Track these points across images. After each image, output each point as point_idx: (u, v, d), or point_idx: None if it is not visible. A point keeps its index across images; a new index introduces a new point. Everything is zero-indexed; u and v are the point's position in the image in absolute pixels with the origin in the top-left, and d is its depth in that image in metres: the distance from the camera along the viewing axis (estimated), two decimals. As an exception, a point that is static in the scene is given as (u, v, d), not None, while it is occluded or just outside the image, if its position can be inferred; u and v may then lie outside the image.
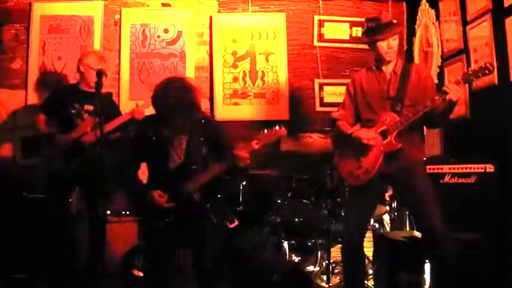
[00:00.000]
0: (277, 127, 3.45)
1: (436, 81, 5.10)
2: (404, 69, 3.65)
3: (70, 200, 4.62)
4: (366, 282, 4.31)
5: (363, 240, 3.77)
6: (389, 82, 3.65)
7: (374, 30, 3.66)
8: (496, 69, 4.11)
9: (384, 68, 3.71)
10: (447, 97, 3.32)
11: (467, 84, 4.47)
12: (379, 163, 3.51)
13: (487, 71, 3.32)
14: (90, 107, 4.54)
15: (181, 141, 3.50)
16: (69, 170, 4.41)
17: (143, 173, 3.64)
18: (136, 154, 3.58)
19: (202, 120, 3.58)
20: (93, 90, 4.57)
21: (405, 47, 5.94)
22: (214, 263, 3.49)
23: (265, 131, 3.45)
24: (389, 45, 3.62)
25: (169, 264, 3.50)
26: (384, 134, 3.53)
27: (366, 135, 3.54)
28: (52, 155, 4.47)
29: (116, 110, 4.79)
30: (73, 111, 4.52)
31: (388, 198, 4.71)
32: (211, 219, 3.42)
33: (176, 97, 3.36)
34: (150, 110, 3.78)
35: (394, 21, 3.73)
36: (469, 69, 3.58)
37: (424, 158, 3.79)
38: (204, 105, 5.74)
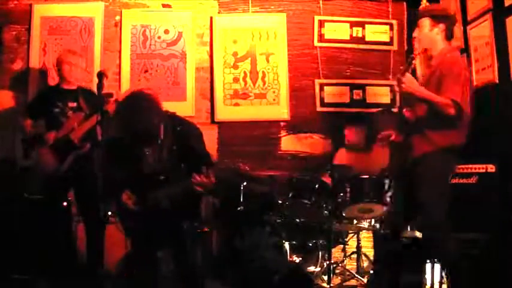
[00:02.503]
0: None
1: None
2: (433, 58, 3.62)
3: (71, 199, 4.62)
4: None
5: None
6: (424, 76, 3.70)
7: None
8: (496, 68, 4.13)
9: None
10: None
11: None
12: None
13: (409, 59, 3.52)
14: (73, 104, 4.55)
15: (155, 148, 3.46)
16: (61, 170, 4.41)
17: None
18: (115, 157, 3.58)
19: (178, 127, 3.49)
20: (73, 86, 4.61)
21: (406, 47, 5.95)
22: (193, 266, 3.50)
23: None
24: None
25: (151, 268, 3.50)
26: None
27: None
28: (43, 156, 4.46)
29: (104, 106, 4.74)
30: (57, 110, 4.52)
31: (388, 199, 4.69)
32: (178, 225, 3.41)
33: (123, 119, 3.37)
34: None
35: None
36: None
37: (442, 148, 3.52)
38: (205, 106, 5.75)
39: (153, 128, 3.35)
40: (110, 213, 4.63)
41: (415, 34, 3.64)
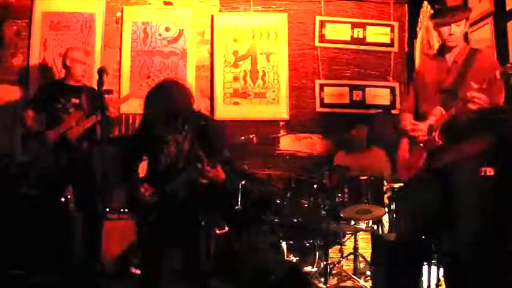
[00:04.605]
0: (250, 136, 3.42)
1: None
2: (468, 58, 3.35)
3: (68, 196, 4.62)
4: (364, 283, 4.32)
5: (418, 235, 3.57)
6: (449, 72, 3.38)
7: (438, 13, 3.38)
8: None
9: (447, 55, 3.42)
10: (468, 106, 3.05)
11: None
12: (423, 159, 3.35)
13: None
14: (76, 101, 4.55)
15: (176, 140, 3.50)
16: (59, 166, 4.41)
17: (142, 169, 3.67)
18: (136, 150, 3.61)
19: (202, 121, 3.54)
20: (79, 84, 4.62)
21: (406, 49, 5.95)
22: (205, 263, 3.48)
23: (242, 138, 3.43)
24: (450, 31, 3.32)
25: (160, 264, 3.49)
26: (430, 130, 3.32)
27: (411, 127, 3.38)
28: (41, 152, 4.47)
29: (104, 103, 4.74)
30: (59, 105, 4.52)
31: (386, 200, 4.70)
32: (198, 222, 3.40)
33: (157, 106, 3.38)
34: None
35: (463, 5, 3.45)
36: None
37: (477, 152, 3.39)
38: (204, 104, 5.75)
39: (181, 111, 3.39)
40: (107, 209, 4.65)
41: (456, 31, 3.33)
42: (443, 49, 3.44)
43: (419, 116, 3.50)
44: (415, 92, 3.60)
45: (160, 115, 3.38)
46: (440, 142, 3.29)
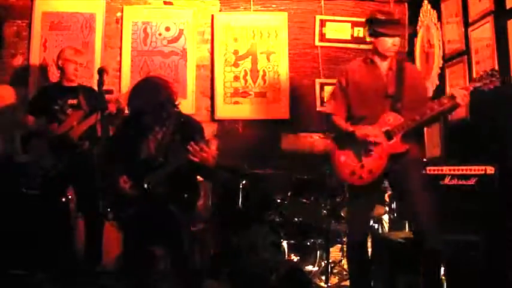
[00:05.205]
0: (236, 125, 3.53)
1: (438, 82, 5.11)
2: (399, 67, 3.57)
3: (69, 196, 4.63)
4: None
5: (367, 240, 3.77)
6: (387, 79, 3.55)
7: (383, 24, 3.51)
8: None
9: (379, 63, 3.59)
10: (455, 101, 3.31)
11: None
12: (384, 164, 3.44)
13: (494, 78, 3.31)
14: (73, 101, 4.56)
15: (156, 135, 3.58)
16: (60, 166, 4.42)
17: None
18: (117, 145, 3.66)
19: (181, 119, 3.63)
20: (74, 84, 4.63)
21: (406, 48, 5.94)
22: (187, 260, 3.50)
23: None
24: (394, 43, 3.51)
25: (144, 262, 3.51)
26: (389, 135, 3.43)
27: (372, 133, 3.43)
28: (42, 152, 4.47)
29: (104, 102, 4.75)
30: (56, 107, 4.53)
31: (387, 199, 4.70)
32: (174, 217, 3.43)
33: (141, 99, 3.51)
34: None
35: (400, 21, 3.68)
36: (477, 77, 3.50)
37: (423, 158, 3.77)
38: (205, 104, 5.75)
39: (162, 106, 3.50)
40: (108, 209, 4.65)
41: (397, 43, 3.57)
42: (378, 57, 3.59)
43: (353, 120, 3.62)
44: (345, 96, 3.66)
45: (146, 105, 3.46)
46: (406, 147, 3.45)
